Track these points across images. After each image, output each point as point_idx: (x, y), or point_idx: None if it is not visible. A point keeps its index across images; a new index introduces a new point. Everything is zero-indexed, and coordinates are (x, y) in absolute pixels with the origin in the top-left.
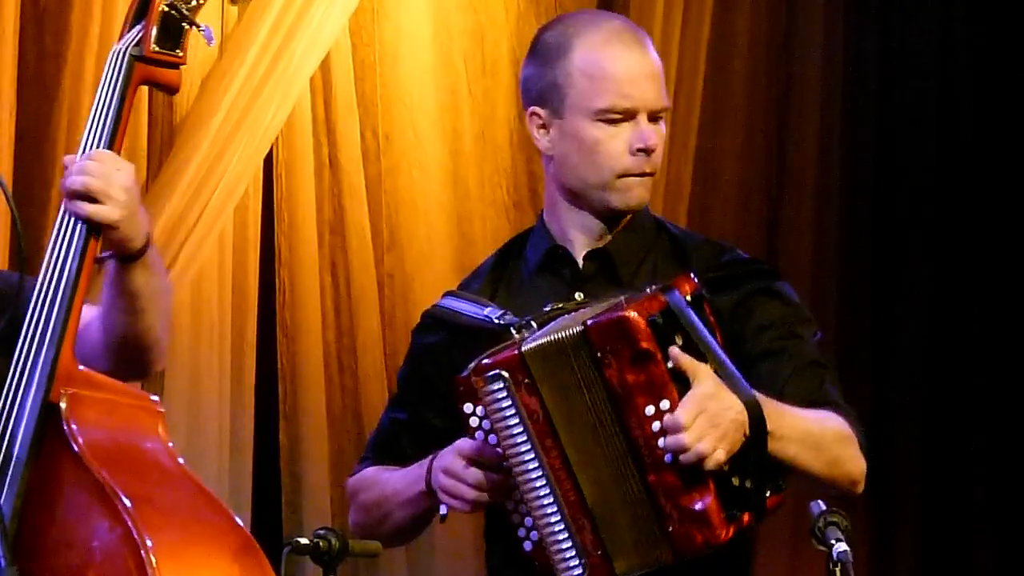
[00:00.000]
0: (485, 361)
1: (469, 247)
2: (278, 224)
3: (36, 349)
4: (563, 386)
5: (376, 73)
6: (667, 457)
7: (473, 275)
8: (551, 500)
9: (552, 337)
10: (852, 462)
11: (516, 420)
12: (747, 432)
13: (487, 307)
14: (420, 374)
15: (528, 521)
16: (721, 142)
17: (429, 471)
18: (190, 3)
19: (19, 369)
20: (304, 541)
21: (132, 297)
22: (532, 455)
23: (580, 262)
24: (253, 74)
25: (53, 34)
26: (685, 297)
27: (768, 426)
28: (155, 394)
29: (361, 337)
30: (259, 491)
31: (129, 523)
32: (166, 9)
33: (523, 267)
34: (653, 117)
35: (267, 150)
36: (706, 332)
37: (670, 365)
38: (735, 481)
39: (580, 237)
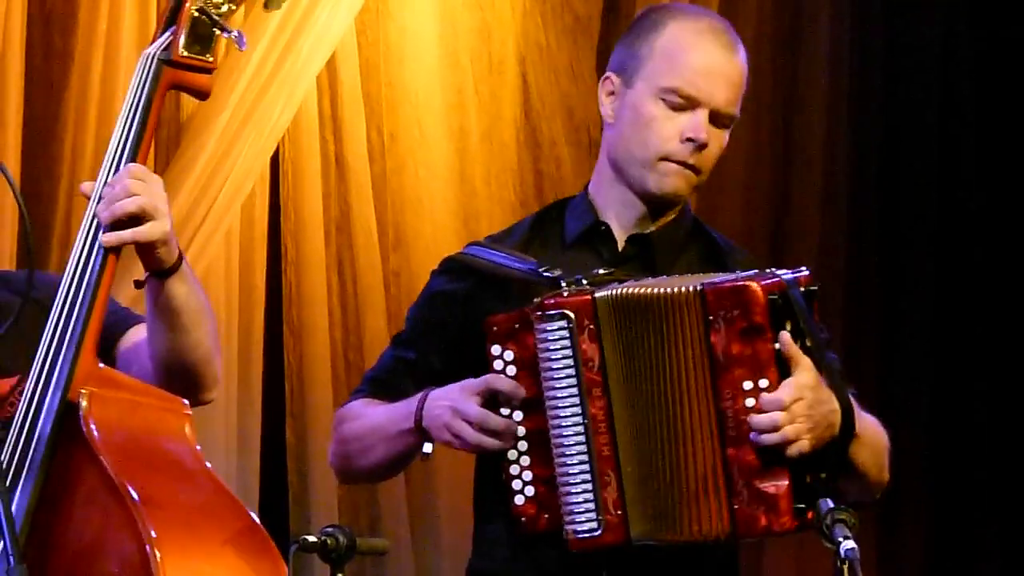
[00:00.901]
0: (550, 301)
1: None
2: (284, 222)
3: (56, 349)
4: (631, 342)
5: (382, 72)
6: (752, 435)
7: (507, 231)
8: (583, 449)
9: (633, 291)
10: (888, 470)
11: (569, 362)
12: (835, 432)
13: (529, 262)
14: (434, 318)
15: (527, 475)
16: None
17: (421, 408)
18: (220, 8)
19: (40, 369)
20: (311, 539)
21: (176, 313)
22: (576, 400)
23: (619, 243)
24: (260, 72)
25: (60, 33)
26: (800, 288)
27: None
28: None
29: (367, 335)
30: (266, 489)
31: (135, 517)
32: (196, 14)
33: (560, 234)
34: (717, 120)
35: (274, 148)
36: (815, 325)
37: (777, 347)
38: (810, 477)
39: (620, 215)
